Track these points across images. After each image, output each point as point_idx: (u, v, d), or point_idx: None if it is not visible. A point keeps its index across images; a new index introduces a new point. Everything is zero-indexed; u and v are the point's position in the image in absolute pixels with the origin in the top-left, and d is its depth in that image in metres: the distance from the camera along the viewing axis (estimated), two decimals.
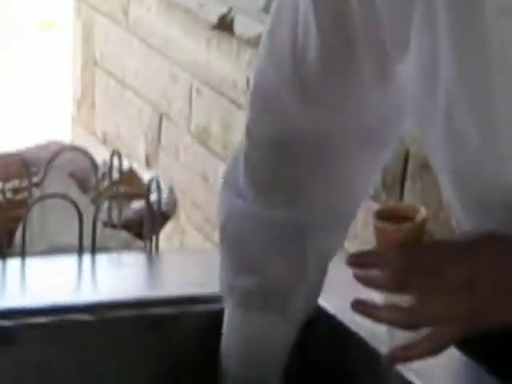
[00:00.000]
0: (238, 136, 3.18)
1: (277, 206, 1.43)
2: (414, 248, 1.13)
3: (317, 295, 1.46)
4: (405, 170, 2.58)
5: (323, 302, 1.40)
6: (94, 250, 1.49)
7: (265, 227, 1.45)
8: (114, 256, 1.56)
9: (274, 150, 1.43)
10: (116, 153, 1.71)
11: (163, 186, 1.69)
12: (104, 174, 1.75)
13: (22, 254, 1.45)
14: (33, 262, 1.44)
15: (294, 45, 1.34)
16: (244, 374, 1.45)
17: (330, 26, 1.31)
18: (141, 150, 3.66)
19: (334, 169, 1.42)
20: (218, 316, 1.38)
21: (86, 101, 4.13)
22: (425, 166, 2.33)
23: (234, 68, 3.11)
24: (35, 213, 1.59)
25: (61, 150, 1.79)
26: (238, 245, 1.46)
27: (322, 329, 1.39)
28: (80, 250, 1.46)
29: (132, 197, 1.80)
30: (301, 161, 1.43)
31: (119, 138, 3.86)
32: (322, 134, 1.39)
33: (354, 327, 1.31)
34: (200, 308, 1.41)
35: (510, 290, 1.16)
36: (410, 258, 1.12)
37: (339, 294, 1.41)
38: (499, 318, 1.18)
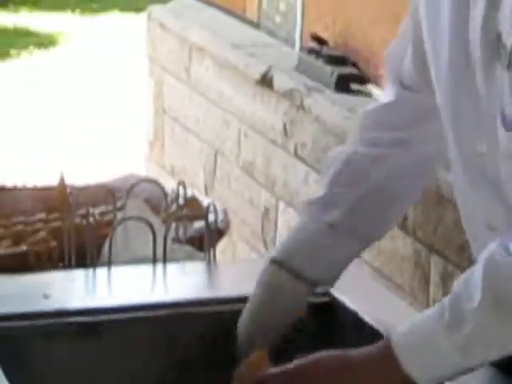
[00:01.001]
0: (277, 169, 3.21)
1: None
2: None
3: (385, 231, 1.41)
4: None
5: (340, 294, 1.37)
6: (165, 261, 1.49)
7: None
8: (180, 265, 1.55)
9: None
10: (181, 183, 1.72)
11: (218, 209, 1.68)
12: (172, 200, 1.73)
13: (109, 263, 1.45)
14: (116, 270, 1.44)
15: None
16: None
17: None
18: (200, 181, 3.64)
19: None
20: None
21: (157, 142, 4.13)
22: None
23: (273, 115, 3.11)
24: (119, 231, 1.57)
25: (138, 181, 1.76)
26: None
27: (337, 319, 1.36)
28: (154, 261, 1.47)
29: (194, 218, 1.75)
30: None
31: (183, 171, 3.85)
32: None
33: (367, 317, 1.28)
34: None
35: None
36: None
37: (354, 288, 1.39)
38: None
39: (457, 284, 1.12)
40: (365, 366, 1.13)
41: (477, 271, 1.10)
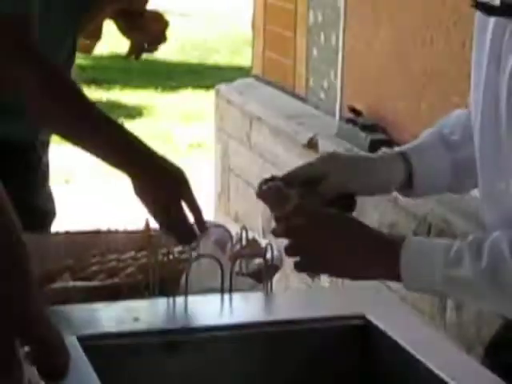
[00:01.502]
0: None
1: None
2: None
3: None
4: None
5: (374, 318, 1.30)
6: (230, 291, 1.47)
7: None
8: (243, 294, 1.53)
9: None
10: (243, 227, 1.71)
11: (274, 248, 1.64)
12: (236, 241, 1.71)
13: (185, 293, 1.43)
14: (192, 299, 1.42)
15: None
16: None
17: None
18: (259, 225, 3.60)
19: None
20: (316, 331, 1.33)
21: (223, 194, 4.12)
22: None
23: None
24: (193, 267, 1.54)
25: (209, 226, 1.74)
26: None
27: (372, 342, 1.29)
28: (222, 291, 1.45)
29: (254, 256, 1.69)
30: None
31: (245, 217, 3.82)
32: None
33: (401, 340, 1.21)
34: (305, 326, 1.36)
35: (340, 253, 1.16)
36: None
37: (387, 313, 1.35)
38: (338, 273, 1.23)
39: (473, 239, 1.10)
40: (371, 249, 1.13)
41: (493, 243, 1.07)
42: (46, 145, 1.95)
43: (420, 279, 1.13)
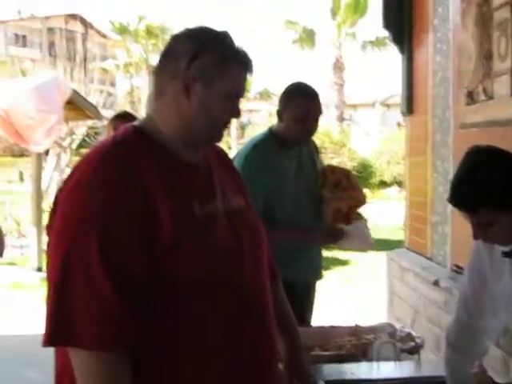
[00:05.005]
0: None
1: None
2: None
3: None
4: None
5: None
6: (398, 359, 1.87)
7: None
8: (402, 363, 1.90)
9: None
10: (403, 327, 2.05)
11: (420, 337, 1.99)
12: (400, 332, 2.08)
13: (371, 359, 1.81)
14: (378, 365, 1.80)
15: None
16: None
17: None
18: (408, 323, 3.81)
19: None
20: None
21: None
22: None
23: None
24: (374, 348, 1.91)
25: (380, 324, 2.19)
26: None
27: None
28: (395, 360, 1.80)
29: (410, 340, 2.06)
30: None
31: (402, 321, 4.03)
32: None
33: None
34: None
35: None
36: None
37: None
38: None
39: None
40: None
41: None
42: None
43: None
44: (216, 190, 1.32)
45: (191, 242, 1.19)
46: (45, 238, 6.57)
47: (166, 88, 1.28)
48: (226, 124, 1.31)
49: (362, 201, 2.51)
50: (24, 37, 36.84)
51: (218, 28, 1.31)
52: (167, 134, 1.28)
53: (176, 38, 1.30)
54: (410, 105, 4.32)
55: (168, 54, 1.30)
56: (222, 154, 1.49)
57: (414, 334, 2.02)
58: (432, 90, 3.92)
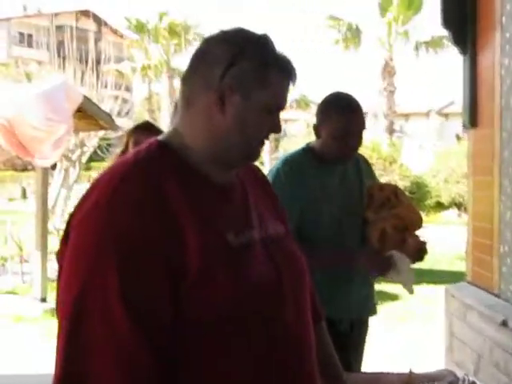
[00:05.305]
0: None
1: None
2: None
3: None
4: None
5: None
6: None
7: None
8: None
9: None
10: (466, 374, 1.85)
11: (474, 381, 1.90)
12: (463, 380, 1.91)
13: None
14: None
15: None
16: None
17: None
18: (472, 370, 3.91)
19: None
20: None
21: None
22: None
23: None
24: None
25: (439, 370, 1.94)
26: None
27: None
28: None
29: None
30: None
31: (464, 367, 4.12)
32: None
33: None
34: None
35: None
36: None
37: None
38: None
39: None
40: None
41: None
42: None
43: None
44: (252, 216, 1.33)
45: (223, 274, 1.19)
46: (50, 264, 6.34)
47: (196, 98, 1.28)
48: (263, 141, 1.31)
49: (414, 221, 2.48)
50: (30, 36, 37.71)
51: (258, 30, 1.29)
52: (196, 151, 1.29)
53: (210, 41, 1.29)
54: (473, 116, 4.31)
55: (200, 59, 1.29)
56: (260, 175, 1.50)
57: (478, 383, 1.91)
58: (500, 99, 3.93)
